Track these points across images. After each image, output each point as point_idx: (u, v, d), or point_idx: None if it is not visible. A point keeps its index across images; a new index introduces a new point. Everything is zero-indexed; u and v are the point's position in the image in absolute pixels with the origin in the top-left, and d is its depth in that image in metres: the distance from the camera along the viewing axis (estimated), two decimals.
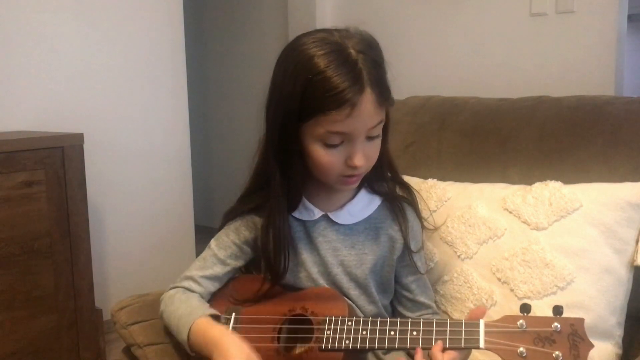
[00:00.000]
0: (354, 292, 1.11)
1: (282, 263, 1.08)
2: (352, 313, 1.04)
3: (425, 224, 1.20)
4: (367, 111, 0.97)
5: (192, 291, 1.12)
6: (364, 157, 1.01)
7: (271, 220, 1.07)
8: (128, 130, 2.51)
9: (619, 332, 1.14)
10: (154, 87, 2.58)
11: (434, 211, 1.31)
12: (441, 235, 1.28)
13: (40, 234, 1.88)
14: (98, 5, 2.38)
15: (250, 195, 1.15)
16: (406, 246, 1.13)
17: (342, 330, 0.97)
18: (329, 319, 0.99)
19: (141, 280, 2.51)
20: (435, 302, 1.23)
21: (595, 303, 1.12)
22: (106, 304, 2.09)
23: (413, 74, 2.27)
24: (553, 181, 1.22)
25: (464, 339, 0.88)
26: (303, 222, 1.13)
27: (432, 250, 1.28)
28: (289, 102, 0.98)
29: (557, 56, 2.00)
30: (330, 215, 1.12)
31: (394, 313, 1.18)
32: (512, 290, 1.17)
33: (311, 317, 1.02)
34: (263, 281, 1.09)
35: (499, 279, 1.19)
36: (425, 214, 1.22)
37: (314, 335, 0.99)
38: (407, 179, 1.25)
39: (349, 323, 0.97)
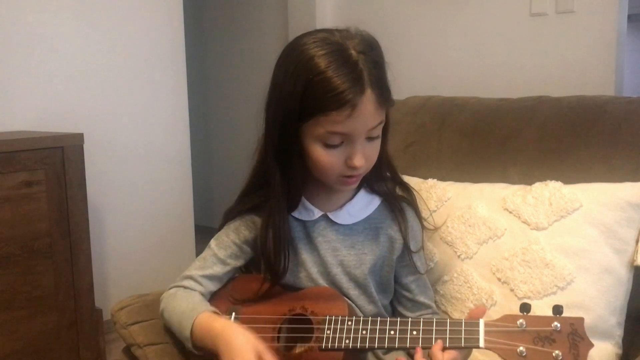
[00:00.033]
0: (353, 292, 1.11)
1: (281, 263, 1.08)
2: (352, 313, 1.04)
3: (425, 224, 1.20)
4: (367, 112, 0.97)
5: (193, 290, 1.12)
6: (364, 157, 1.01)
7: (271, 220, 1.07)
8: (128, 130, 2.51)
9: (619, 332, 1.14)
10: (154, 87, 2.58)
11: (434, 211, 1.31)
12: (441, 235, 1.28)
13: (40, 234, 1.88)
14: (98, 5, 2.38)
15: (249, 195, 1.15)
16: (406, 246, 1.13)
17: (342, 329, 0.97)
18: (328, 319, 0.99)
19: (141, 280, 2.51)
20: (435, 302, 1.23)
21: (595, 303, 1.12)
22: (106, 304, 2.09)
23: (413, 74, 2.27)
24: (553, 181, 1.22)
25: (464, 338, 0.88)
26: (303, 222, 1.13)
27: (432, 250, 1.28)
28: (289, 102, 0.98)
29: (557, 56, 2.00)
30: (330, 215, 1.12)
31: (394, 313, 1.18)
32: (512, 290, 1.17)
33: (311, 317, 1.02)
34: (263, 281, 1.09)
35: (499, 279, 1.19)
36: (425, 214, 1.22)
37: (314, 335, 0.99)
38: (407, 179, 1.25)
39: (349, 323, 0.97)
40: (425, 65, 2.34)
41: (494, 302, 1.18)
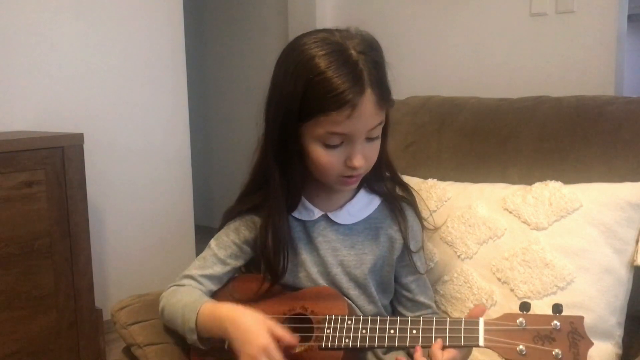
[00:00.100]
0: (353, 292, 1.11)
1: (281, 263, 1.08)
2: (351, 312, 1.04)
3: (425, 224, 1.20)
4: (367, 112, 0.97)
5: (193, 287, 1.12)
6: (364, 158, 1.01)
7: (270, 220, 1.07)
8: (128, 130, 2.51)
9: (619, 332, 1.14)
10: (154, 87, 2.58)
11: (434, 211, 1.31)
12: (441, 235, 1.28)
13: (40, 234, 1.88)
14: (98, 5, 2.38)
15: (249, 194, 1.15)
16: (405, 246, 1.13)
17: (341, 329, 0.97)
18: (328, 318, 0.99)
19: (141, 280, 2.51)
20: (435, 302, 1.23)
21: (595, 303, 1.12)
22: (106, 304, 2.09)
23: (413, 74, 2.27)
24: (553, 181, 1.22)
25: (464, 337, 0.88)
26: (303, 222, 1.13)
27: (432, 250, 1.28)
28: (289, 102, 0.98)
29: (557, 56, 2.00)
30: (330, 215, 1.12)
31: (394, 313, 1.18)
32: (512, 290, 1.17)
33: (311, 316, 1.02)
34: (263, 281, 1.09)
35: (499, 279, 1.19)
36: (425, 214, 1.22)
37: (314, 334, 0.99)
38: (407, 179, 1.25)
39: (349, 322, 0.97)
40: (425, 65, 2.34)
41: (494, 302, 1.18)
